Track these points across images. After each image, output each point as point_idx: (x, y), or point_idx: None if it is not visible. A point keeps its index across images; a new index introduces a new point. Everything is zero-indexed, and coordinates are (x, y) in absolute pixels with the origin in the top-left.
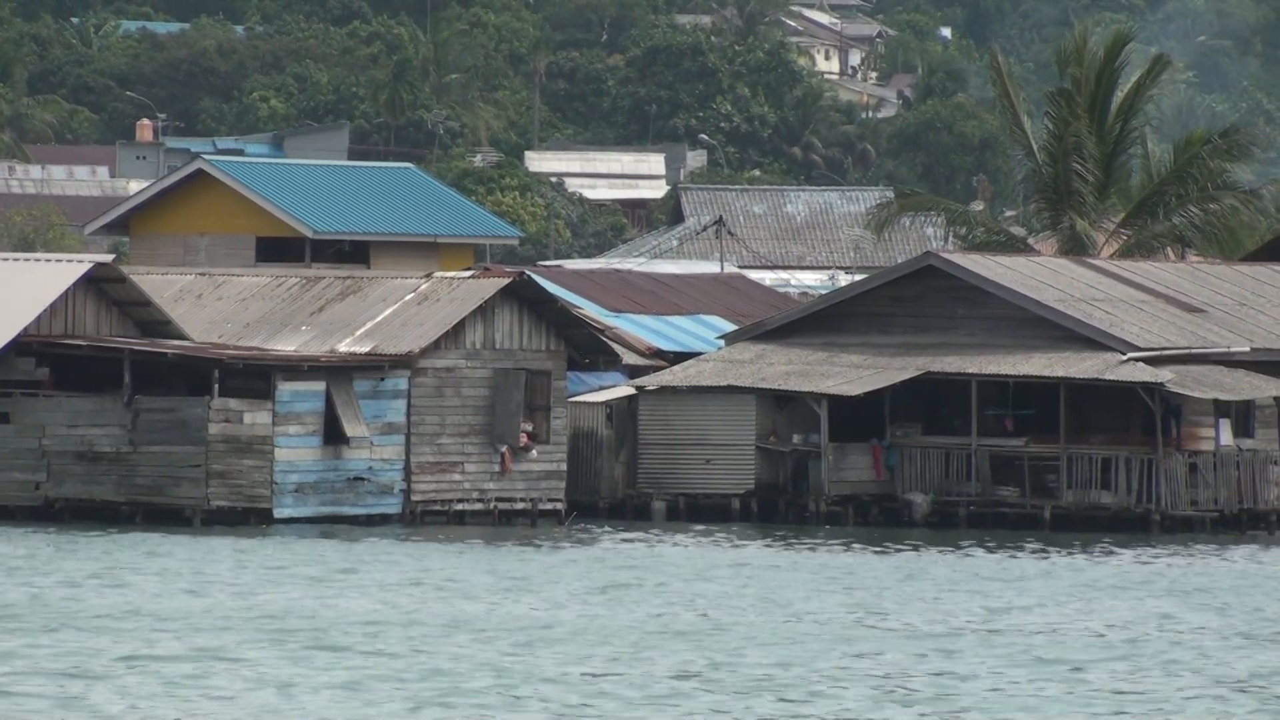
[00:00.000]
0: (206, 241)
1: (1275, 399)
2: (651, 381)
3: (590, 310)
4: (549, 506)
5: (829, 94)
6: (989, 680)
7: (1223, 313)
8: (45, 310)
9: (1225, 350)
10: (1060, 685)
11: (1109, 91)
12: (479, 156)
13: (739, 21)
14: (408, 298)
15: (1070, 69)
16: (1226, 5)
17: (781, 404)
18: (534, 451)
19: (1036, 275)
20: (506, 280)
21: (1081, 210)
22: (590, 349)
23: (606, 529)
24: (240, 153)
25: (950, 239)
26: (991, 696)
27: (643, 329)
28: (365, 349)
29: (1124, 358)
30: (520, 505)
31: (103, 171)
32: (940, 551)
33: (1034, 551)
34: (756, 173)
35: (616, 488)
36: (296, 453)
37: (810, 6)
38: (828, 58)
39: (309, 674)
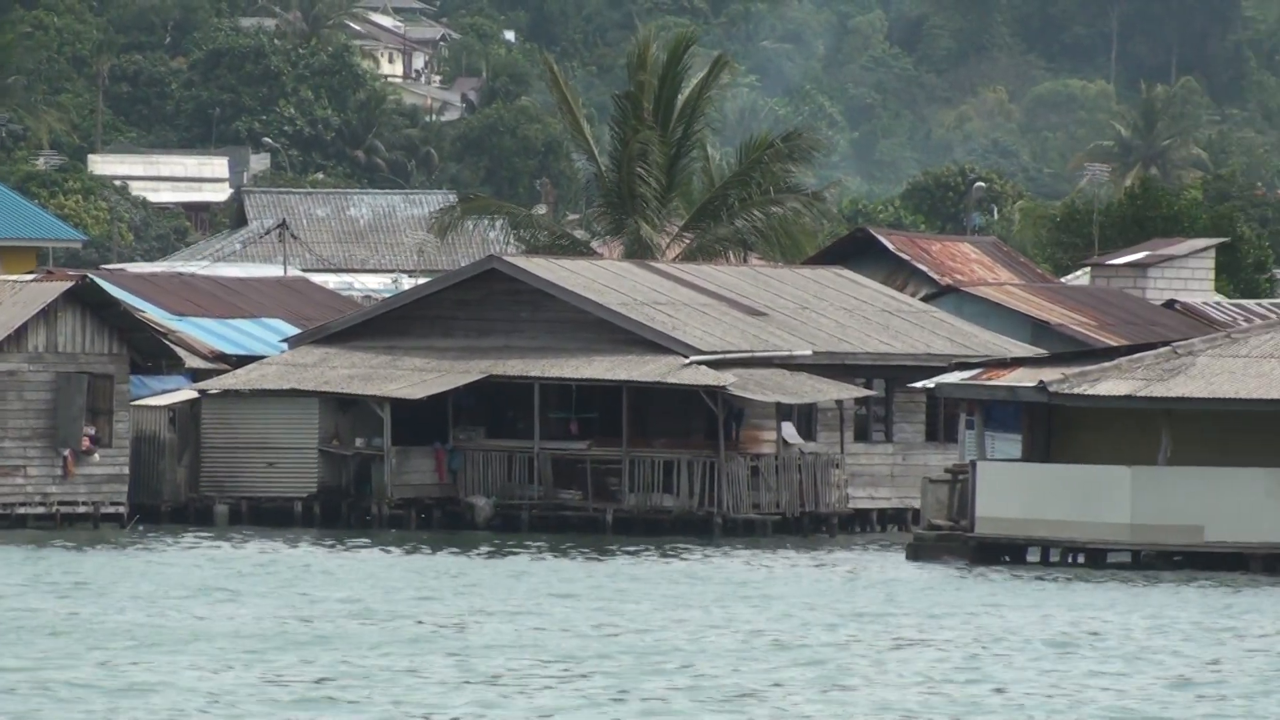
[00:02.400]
0: None
1: (837, 402)
2: (214, 385)
3: (153, 313)
4: (111, 510)
5: (393, 97)
6: None
7: (784, 316)
8: None
9: (787, 353)
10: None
11: (673, 95)
12: (42, 159)
13: (303, 25)
14: None
15: (635, 73)
16: (788, 9)
17: (345, 407)
18: (96, 455)
19: (600, 279)
20: (69, 283)
21: (645, 214)
22: (153, 352)
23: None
24: None
25: (514, 242)
26: None
27: (206, 332)
28: None
29: (686, 361)
30: (83, 509)
31: None
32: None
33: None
34: (320, 176)
35: (179, 491)
36: None
37: (374, 10)
38: (391, 61)
39: None
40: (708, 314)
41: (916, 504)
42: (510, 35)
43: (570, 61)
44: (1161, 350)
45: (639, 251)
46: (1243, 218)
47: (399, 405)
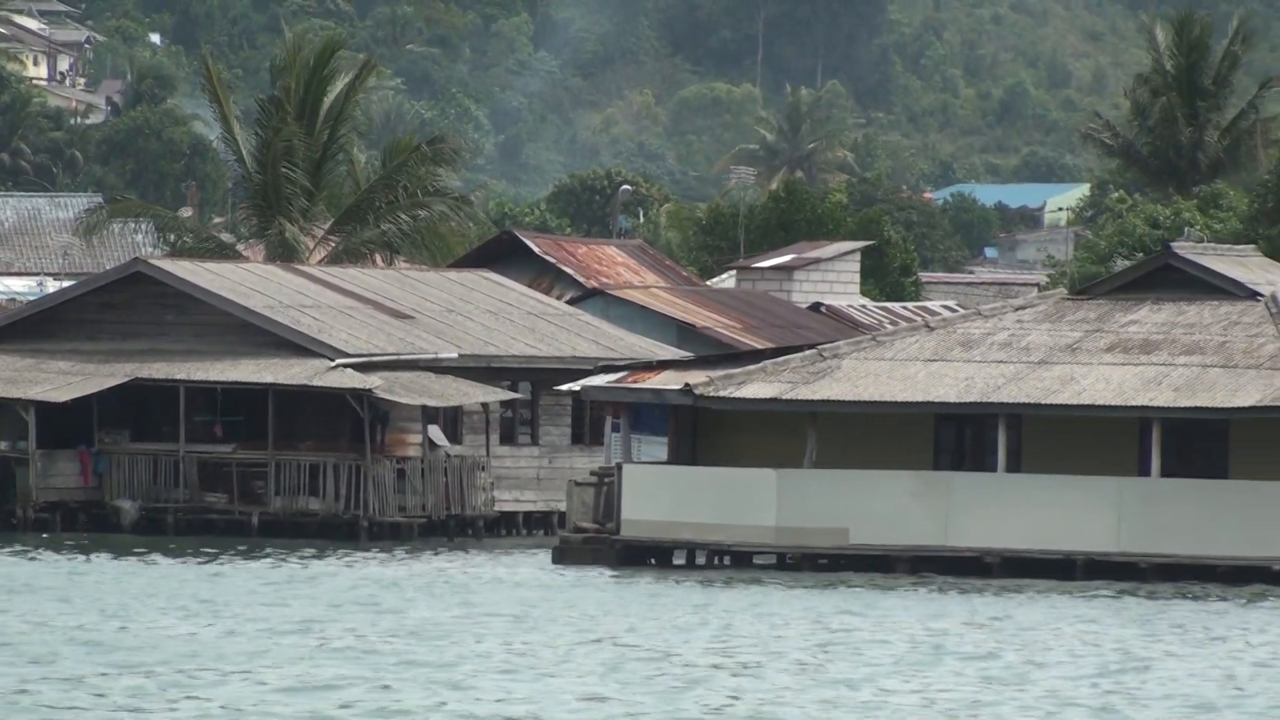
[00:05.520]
0: None
1: (483, 405)
2: None
3: None
4: None
5: (37, 100)
6: None
7: (431, 319)
8: None
9: (433, 356)
10: None
11: (319, 98)
12: None
13: None
14: None
15: (282, 76)
16: (435, 12)
17: None
18: None
19: (246, 281)
20: None
21: (290, 217)
22: None
23: None
24: None
25: (160, 245)
26: None
27: None
28: None
29: (332, 364)
30: None
31: None
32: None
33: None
34: None
35: None
36: None
37: (18, 12)
38: (36, 63)
39: None
40: (353, 317)
41: (563, 507)
42: (156, 38)
43: (216, 65)
44: (807, 353)
45: (283, 254)
46: (889, 221)
47: (44, 408)
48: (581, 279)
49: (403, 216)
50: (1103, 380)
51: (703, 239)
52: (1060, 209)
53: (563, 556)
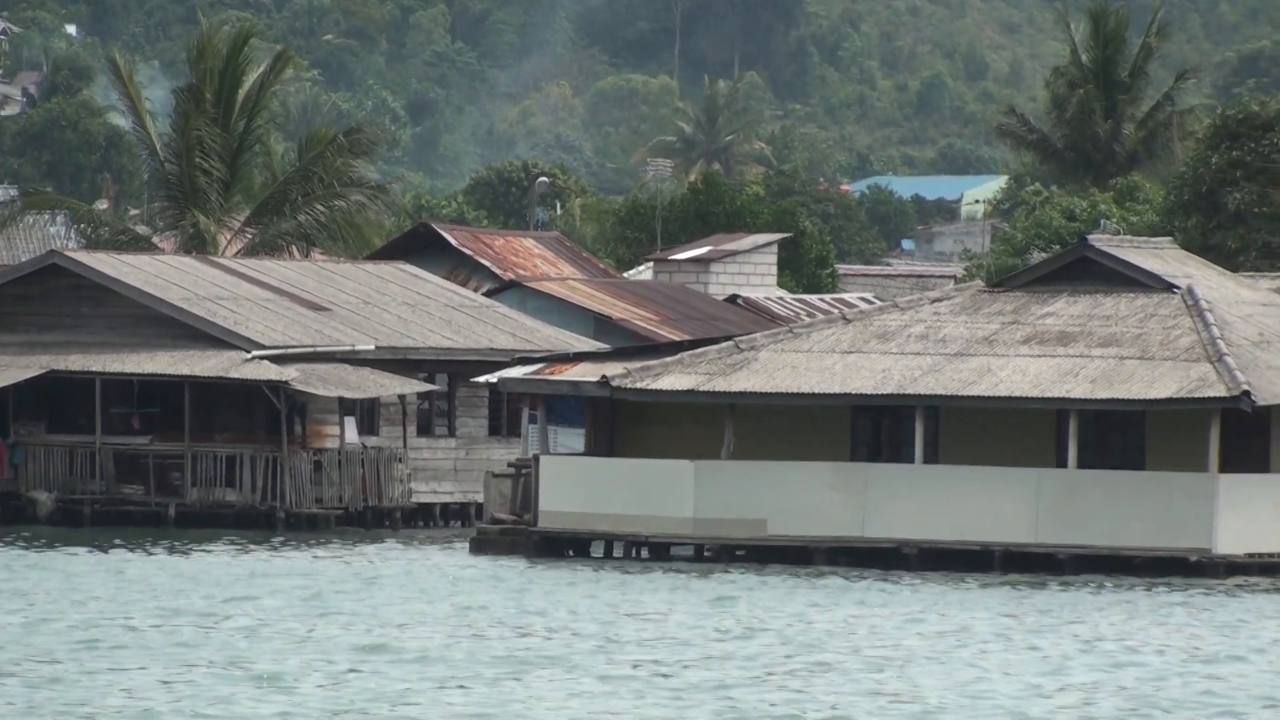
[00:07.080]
0: None
1: (400, 396)
2: None
3: None
4: None
5: None
6: None
7: (347, 311)
8: None
9: (350, 348)
10: None
11: (234, 89)
12: None
13: None
14: None
15: (196, 66)
16: (352, 3)
17: None
18: None
19: (162, 274)
20: None
21: (205, 208)
22: None
23: None
24: None
25: (75, 237)
26: None
27: None
28: None
29: (248, 356)
30: None
31: None
32: None
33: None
34: None
35: None
36: None
37: None
38: None
39: None
40: (270, 309)
41: (480, 498)
42: (72, 29)
43: (132, 56)
44: (724, 345)
45: (198, 246)
46: (805, 213)
47: None
48: (498, 271)
49: (319, 207)
50: (1019, 372)
51: (620, 230)
52: (976, 201)
53: (480, 548)
